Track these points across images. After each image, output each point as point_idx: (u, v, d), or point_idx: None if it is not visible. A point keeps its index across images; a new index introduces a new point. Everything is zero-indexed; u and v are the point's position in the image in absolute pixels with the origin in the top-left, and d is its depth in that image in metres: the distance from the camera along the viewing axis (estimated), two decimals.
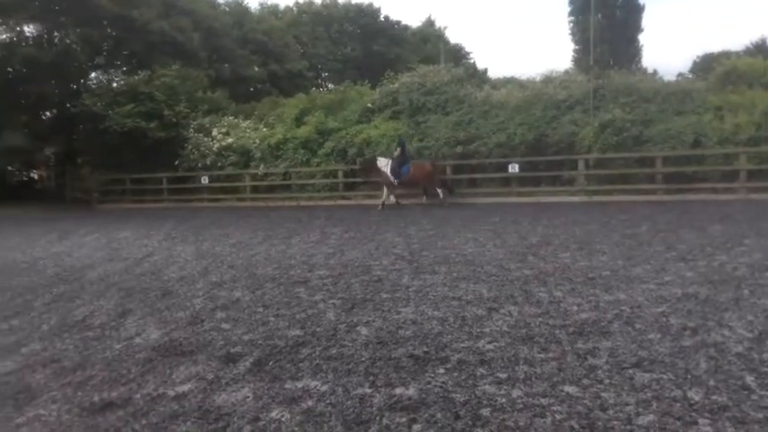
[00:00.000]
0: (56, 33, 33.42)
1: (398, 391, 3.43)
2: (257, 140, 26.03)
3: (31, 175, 38.15)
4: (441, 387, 3.47)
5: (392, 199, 19.41)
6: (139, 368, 4.05)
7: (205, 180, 26.38)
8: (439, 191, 19.54)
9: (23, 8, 29.85)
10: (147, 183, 27.80)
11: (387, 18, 54.72)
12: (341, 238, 11.40)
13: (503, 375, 3.63)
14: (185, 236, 13.01)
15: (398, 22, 55.89)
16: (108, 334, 4.99)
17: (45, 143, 33.24)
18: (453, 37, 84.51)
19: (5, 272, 8.71)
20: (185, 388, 3.64)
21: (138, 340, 4.75)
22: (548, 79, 23.77)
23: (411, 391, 3.41)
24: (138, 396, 3.55)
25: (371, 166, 19.61)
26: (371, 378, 3.66)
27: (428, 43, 53.98)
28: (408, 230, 12.21)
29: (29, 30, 33.36)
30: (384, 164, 19.24)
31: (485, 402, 3.23)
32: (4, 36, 32.92)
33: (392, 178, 19.08)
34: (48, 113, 33.77)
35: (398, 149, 19.51)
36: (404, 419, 3.05)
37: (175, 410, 3.31)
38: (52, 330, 5.20)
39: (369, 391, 3.46)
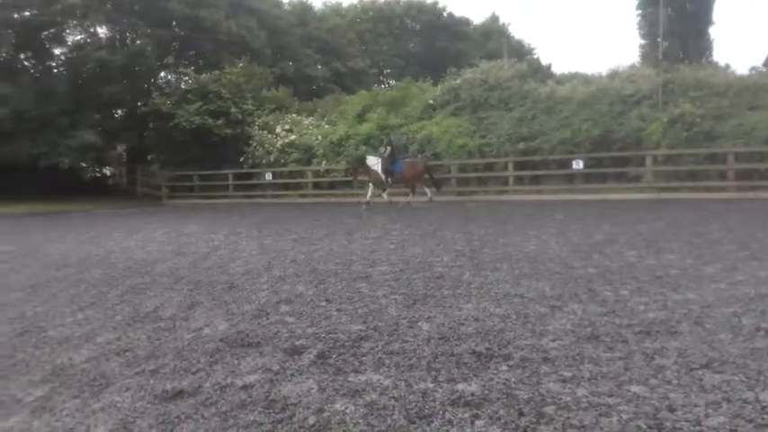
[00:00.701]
0: (127, 35, 34.61)
1: (461, 386, 3.43)
2: (319, 137, 26.35)
3: (104, 171, 39.67)
4: (503, 384, 3.45)
5: (385, 197, 19.24)
6: (208, 358, 4.18)
7: (269, 176, 26.89)
8: (427, 190, 19.46)
9: (97, 11, 31.03)
10: (213, 179, 28.54)
11: (449, 14, 54.42)
12: (402, 234, 11.43)
13: (567, 374, 3.58)
14: (249, 231, 13.30)
15: (461, 18, 55.50)
16: (178, 325, 5.15)
17: (117, 141, 34.53)
18: (517, 32, 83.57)
19: (80, 264, 9.09)
20: (252, 378, 3.73)
21: (207, 331, 4.89)
22: (614, 74, 23.24)
23: (473, 387, 3.41)
24: (208, 385, 3.66)
25: (360, 165, 19.41)
26: (433, 373, 3.67)
27: (491, 39, 53.44)
28: (469, 227, 12.15)
29: (102, 32, 34.67)
30: (374, 162, 19.11)
31: (549, 400, 3.20)
32: (78, 38, 34.33)
33: (383, 177, 19.00)
34: (119, 112, 35.03)
35: (388, 148, 19.43)
36: (466, 415, 3.05)
37: (243, 400, 3.40)
38: (125, 320, 5.40)
39: (431, 385, 3.47)
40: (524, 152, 21.29)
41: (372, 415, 3.10)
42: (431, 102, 25.67)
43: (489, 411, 3.08)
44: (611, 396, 3.23)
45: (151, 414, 3.28)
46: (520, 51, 50.27)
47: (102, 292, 6.81)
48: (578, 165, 20.04)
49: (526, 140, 21.35)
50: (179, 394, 3.54)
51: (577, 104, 21.52)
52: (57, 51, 34.46)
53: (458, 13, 64.20)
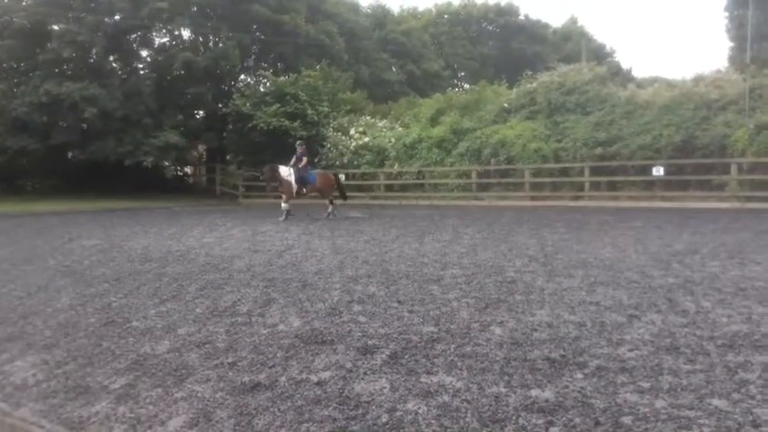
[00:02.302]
0: (210, 38, 35.75)
1: (534, 392, 3.39)
2: (392, 140, 26.50)
3: (185, 170, 41.08)
4: (579, 392, 3.39)
5: (285, 206, 17.71)
6: (283, 353, 4.28)
7: (342, 178, 27.19)
8: (329, 202, 18.59)
9: (182, 14, 32.18)
10: None
11: (526, 16, 53.75)
12: (473, 238, 11.36)
13: (645, 384, 3.49)
14: (321, 231, 13.50)
15: (538, 21, 54.71)
16: (254, 320, 5.29)
17: (198, 141, 35.68)
18: (597, 35, 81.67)
19: (162, 259, 9.45)
20: (326, 375, 3.80)
21: (282, 327, 5.00)
22: (698, 78, 22.35)
23: (547, 394, 3.36)
24: (284, 379, 3.75)
25: (274, 175, 18.10)
26: (506, 378, 3.64)
27: (569, 42, 52.47)
28: (542, 232, 11.96)
29: (186, 35, 35.93)
30: (287, 173, 18.01)
31: (626, 410, 3.12)
32: (164, 41, 35.70)
33: (297, 187, 17.93)
34: (201, 113, 36.17)
35: (293, 158, 18.46)
36: (540, 421, 3.01)
37: (318, 395, 3.47)
38: (204, 314, 5.59)
39: (504, 390, 3.44)
40: (602, 157, 20.78)
41: (445, 416, 3.10)
42: (505, 105, 25.40)
43: (564, 419, 3.03)
44: (691, 409, 3.13)
45: (230, 405, 3.39)
46: (599, 54, 49.13)
47: (183, 286, 7.06)
48: (659, 171, 19.39)
49: (604, 145, 20.83)
50: (256, 387, 3.65)
51: (659, 109, 20.84)
52: (143, 54, 35.95)
53: (535, 16, 63.27)
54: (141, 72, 34.55)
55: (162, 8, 30.30)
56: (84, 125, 29.95)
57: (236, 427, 3.10)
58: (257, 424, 3.13)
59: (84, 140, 30.03)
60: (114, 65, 34.04)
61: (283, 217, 17.27)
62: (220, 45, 34.48)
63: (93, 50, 31.44)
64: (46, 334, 5.07)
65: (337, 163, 27.76)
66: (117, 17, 31.67)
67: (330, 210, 18.37)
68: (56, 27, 31.23)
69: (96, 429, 3.19)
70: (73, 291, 6.93)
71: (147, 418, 3.27)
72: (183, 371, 4.00)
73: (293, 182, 17.84)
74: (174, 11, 31.32)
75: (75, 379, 3.94)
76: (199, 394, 3.58)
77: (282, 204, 17.80)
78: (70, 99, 28.27)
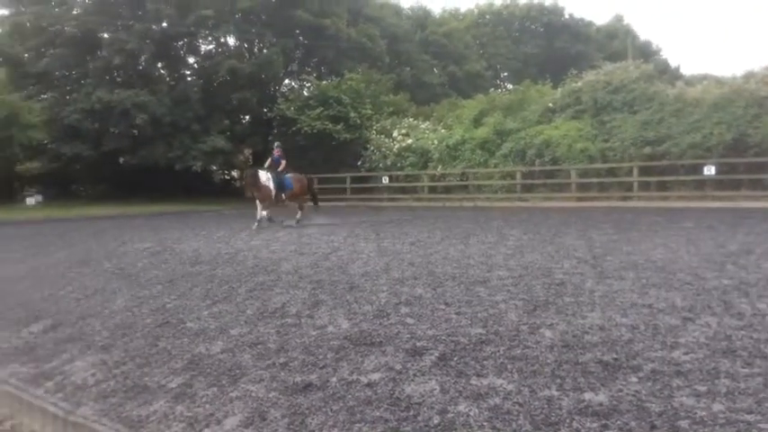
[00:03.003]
0: (255, 44, 36.33)
1: (587, 396, 3.36)
2: (435, 141, 26.49)
3: (232, 173, 41.79)
4: (633, 396, 3.35)
5: (265, 214, 16.41)
6: (333, 355, 4.33)
7: (385, 180, 27.31)
8: (299, 207, 17.77)
9: (227, 21, 32.78)
10: (331, 182, 29.33)
11: (570, 15, 53.10)
12: (519, 239, 11.27)
13: (702, 388, 3.43)
14: (367, 233, 13.56)
15: (582, 19, 53.98)
16: (303, 322, 5.36)
17: (243, 145, 36.28)
18: (643, 33, 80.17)
19: (212, 261, 9.64)
20: (376, 376, 3.84)
21: (331, 329, 5.06)
22: (749, 75, 21.73)
23: (601, 397, 3.33)
24: (335, 380, 3.80)
25: (256, 180, 16.45)
26: (558, 381, 3.62)
27: (615, 40, 51.66)
28: (590, 234, 11.79)
29: (231, 41, 36.59)
30: (265, 178, 16.57)
31: (682, 414, 3.07)
32: (210, 47, 36.40)
33: (275, 193, 16.71)
34: (246, 118, 36.76)
35: (269, 160, 17.38)
36: (595, 425, 2.99)
37: (368, 396, 3.50)
38: (255, 315, 5.68)
39: (556, 393, 3.42)
40: (650, 157, 20.39)
41: (497, 419, 3.10)
42: (550, 105, 25.15)
43: (619, 422, 3.00)
44: (750, 413, 3.06)
45: (283, 405, 3.45)
46: (646, 52, 48.26)
47: (233, 287, 7.19)
48: (710, 170, 18.93)
49: (652, 144, 20.43)
50: (308, 387, 3.70)
51: (709, 107, 20.34)
52: (190, 60, 36.73)
53: (579, 15, 62.41)
54: (188, 79, 35.32)
55: (208, 15, 30.93)
56: (135, 131, 30.77)
57: (290, 427, 3.16)
58: (310, 423, 3.18)
59: (134, 146, 30.84)
60: (162, 72, 34.88)
61: (257, 225, 15.90)
62: (264, 51, 35.03)
63: (142, 58, 32.28)
64: (104, 335, 5.23)
65: (380, 165, 27.87)
66: (164, 24, 32.44)
67: (299, 216, 17.33)
68: (105, 35, 32.20)
69: (155, 428, 3.29)
70: (128, 293, 7.12)
71: (204, 417, 3.35)
72: (237, 371, 4.09)
73: (272, 187, 16.61)
74: (219, 18, 31.95)
75: (134, 378, 4.06)
76: (253, 394, 3.65)
77: (262, 212, 16.37)
78: (121, 106, 29.08)
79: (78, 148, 30.16)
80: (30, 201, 29.81)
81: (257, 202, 16.55)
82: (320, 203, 20.57)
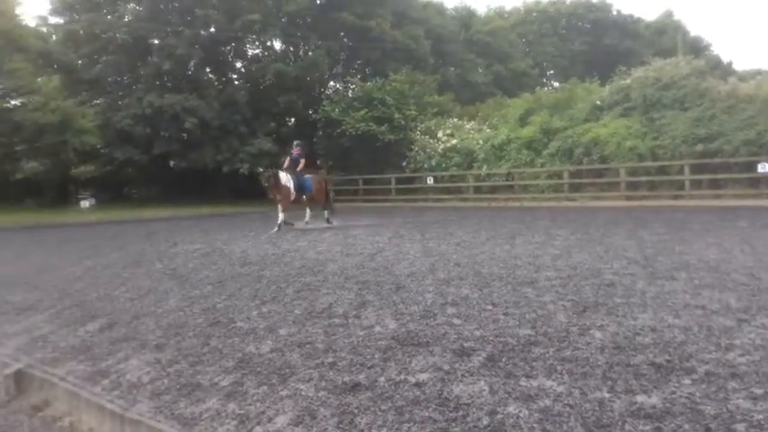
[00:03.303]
0: (300, 47, 36.73)
1: (640, 398, 3.30)
2: (480, 141, 26.35)
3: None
4: (687, 398, 3.27)
5: (282, 217, 15.66)
6: (381, 355, 4.35)
7: (430, 180, 27.27)
8: (309, 212, 17.04)
9: (273, 25, 33.22)
10: (376, 183, 29.43)
11: (618, 12, 52.18)
12: (567, 239, 11.11)
13: (758, 391, 3.33)
14: (412, 234, 13.56)
15: (631, 16, 52.97)
16: (350, 322, 5.40)
17: (289, 147, 36.63)
18: (693, 28, 78.30)
19: (260, 262, 9.78)
20: (424, 376, 3.84)
21: (378, 329, 5.08)
22: None
23: (654, 400, 3.27)
24: (382, 380, 3.82)
25: (277, 182, 15.59)
26: (609, 383, 3.56)
27: (664, 36, 50.51)
28: (640, 233, 11.56)
29: (277, 45, 37.07)
30: (285, 179, 15.78)
31: (738, 417, 2.99)
32: (256, 51, 36.95)
33: (294, 195, 15.96)
34: (292, 120, 37.15)
35: (286, 159, 16.56)
36: (648, 428, 2.93)
37: (417, 396, 3.51)
38: (302, 315, 5.75)
39: (607, 395, 3.37)
40: (702, 154, 19.86)
41: (547, 421, 3.07)
42: (598, 103, 24.75)
43: (673, 425, 2.94)
44: None
45: (332, 404, 3.49)
46: (696, 48, 47.06)
47: (281, 288, 7.28)
48: (764, 168, 18.34)
49: (704, 142, 19.90)
50: (356, 387, 3.73)
51: (763, 103, 19.72)
52: (237, 65, 37.34)
53: (627, 11, 61.30)
54: (236, 82, 35.90)
55: (254, 20, 31.39)
56: (185, 135, 31.39)
57: (339, 426, 3.19)
58: (359, 423, 3.20)
59: (184, 149, 31.48)
60: (210, 76, 35.54)
61: (277, 228, 15.20)
62: (310, 54, 35.38)
63: (191, 63, 32.96)
64: (157, 334, 5.36)
65: (425, 166, 27.85)
66: (212, 30, 33.06)
67: (327, 215, 16.92)
68: (156, 41, 32.95)
69: (208, 425, 3.36)
70: (179, 293, 7.29)
71: (256, 415, 3.41)
72: (286, 370, 4.14)
73: (292, 188, 15.86)
74: (265, 22, 32.40)
75: (186, 377, 4.15)
76: (302, 393, 3.69)
77: (280, 215, 15.66)
78: (171, 110, 29.74)
79: (130, 152, 30.94)
80: (84, 204, 30.71)
81: (279, 205, 15.84)
82: (362, 204, 20.41)
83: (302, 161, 16.58)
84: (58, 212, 27.01)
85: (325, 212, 16.96)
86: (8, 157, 28.90)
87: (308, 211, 17.05)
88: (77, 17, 33.29)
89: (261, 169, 16.15)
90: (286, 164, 16.58)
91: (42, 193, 32.33)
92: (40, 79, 29.87)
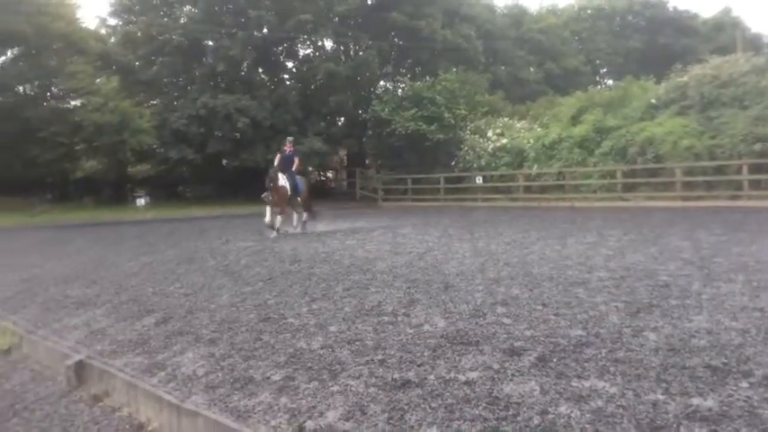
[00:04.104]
0: (351, 46, 36.94)
1: (695, 401, 3.23)
2: (531, 140, 26.05)
3: (327, 174, 42.67)
4: (744, 401, 3.19)
5: (279, 219, 14.77)
6: (431, 353, 4.36)
7: (479, 180, 27.10)
8: (296, 215, 15.90)
9: (325, 26, 33.50)
10: (425, 182, 29.40)
11: (674, 9, 50.78)
12: (620, 240, 10.90)
13: None
14: (461, 233, 13.51)
15: (687, 12, 51.50)
16: (399, 320, 5.42)
17: (339, 146, 36.95)
18: (753, 25, 75.72)
19: (310, 260, 9.89)
20: (473, 375, 3.83)
21: (427, 327, 5.09)
22: None
23: (710, 403, 3.19)
24: (432, 377, 3.83)
25: (276, 182, 14.57)
26: (664, 385, 3.49)
27: (722, 33, 48.92)
28: (696, 234, 11.25)
29: (328, 45, 37.37)
30: (282, 180, 14.73)
31: None
32: (308, 51, 37.32)
33: (289, 195, 14.98)
34: (342, 119, 37.39)
35: (277, 157, 15.46)
36: (704, 430, 2.87)
37: (467, 394, 3.51)
38: (352, 313, 5.79)
39: (662, 397, 3.31)
40: (762, 154, 19.20)
41: (600, 422, 3.03)
42: (653, 101, 24.17)
43: (730, 429, 2.87)
44: None
45: (382, 400, 3.51)
46: (756, 45, 45.35)
47: (330, 285, 7.35)
48: None
49: (764, 141, 19.23)
50: (406, 384, 3.75)
51: None
52: (289, 65, 37.78)
53: (683, 7, 59.74)
54: (287, 83, 36.33)
55: (306, 20, 31.70)
56: (237, 134, 31.90)
57: (390, 422, 3.22)
58: (409, 419, 3.22)
59: (236, 149, 32.00)
60: (263, 76, 36.02)
61: (275, 234, 14.44)
62: (360, 53, 35.54)
63: (244, 64, 33.48)
64: (210, 328, 5.49)
65: (474, 165, 27.68)
66: (265, 30, 33.51)
67: (305, 218, 15.91)
68: (210, 43, 33.59)
69: (260, 418, 3.43)
70: (232, 289, 7.44)
71: (307, 409, 3.46)
72: (337, 366, 4.19)
73: (288, 190, 14.91)
74: (317, 22, 32.68)
75: (239, 371, 4.24)
76: (352, 388, 3.73)
77: (277, 217, 14.67)
78: (224, 110, 30.28)
79: (184, 151, 31.60)
80: (140, 202, 31.52)
81: (272, 206, 14.58)
82: (411, 204, 20.08)
83: (296, 159, 15.70)
84: (115, 210, 27.85)
85: (303, 215, 15.92)
86: (68, 156, 29.82)
87: (295, 215, 16.05)
88: (135, 19, 34.19)
89: (271, 167, 15.05)
90: (277, 161, 15.37)
91: (100, 192, 33.26)
92: (99, 80, 30.71)
